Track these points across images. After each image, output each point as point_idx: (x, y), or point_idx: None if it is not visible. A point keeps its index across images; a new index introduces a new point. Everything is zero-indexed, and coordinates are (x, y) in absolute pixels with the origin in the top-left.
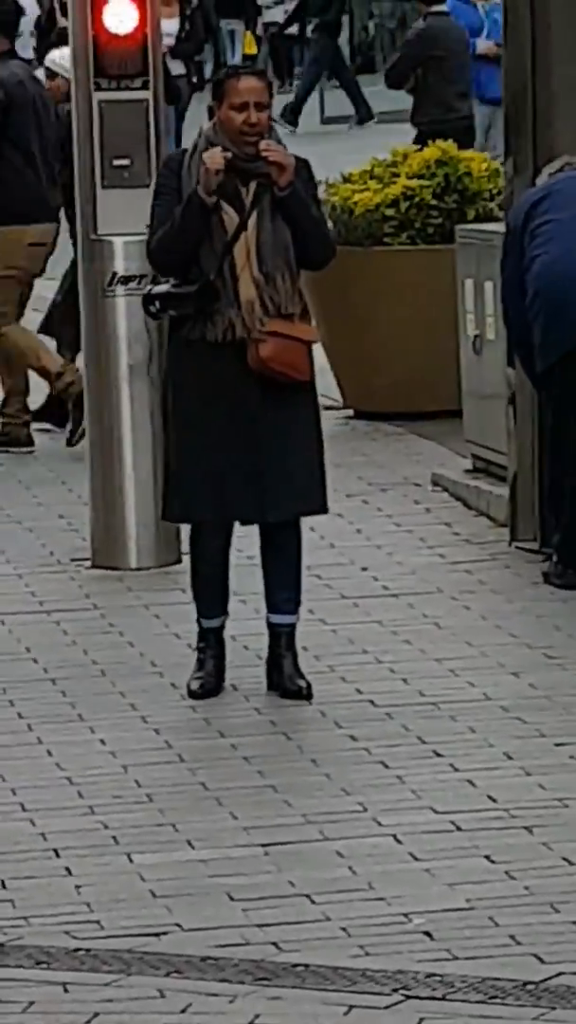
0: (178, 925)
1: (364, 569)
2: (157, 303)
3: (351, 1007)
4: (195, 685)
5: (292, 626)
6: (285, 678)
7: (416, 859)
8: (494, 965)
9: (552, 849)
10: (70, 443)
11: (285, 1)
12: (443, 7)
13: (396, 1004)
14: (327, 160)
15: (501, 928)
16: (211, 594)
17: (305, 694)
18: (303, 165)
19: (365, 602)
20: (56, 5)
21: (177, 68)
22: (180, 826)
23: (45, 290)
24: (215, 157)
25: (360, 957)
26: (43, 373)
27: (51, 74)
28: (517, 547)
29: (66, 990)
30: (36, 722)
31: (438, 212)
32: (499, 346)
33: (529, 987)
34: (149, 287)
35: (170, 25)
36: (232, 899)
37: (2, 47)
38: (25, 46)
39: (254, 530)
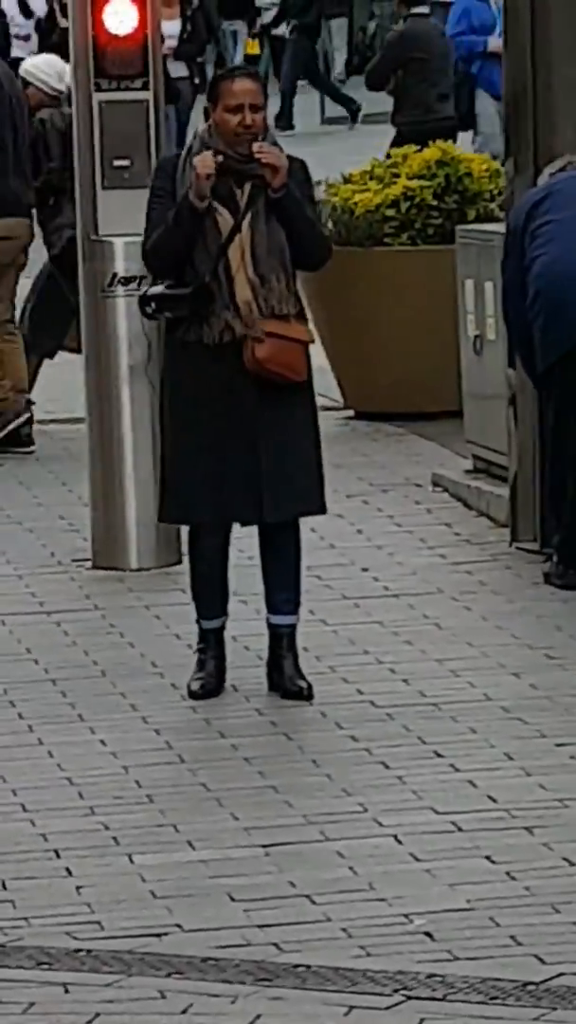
0: (179, 926)
1: (365, 570)
2: (153, 304)
3: (352, 1008)
4: (196, 686)
5: (292, 627)
6: (286, 679)
7: (417, 860)
8: (495, 966)
9: (553, 849)
10: None
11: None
12: (424, 9)
13: (397, 1005)
14: (327, 161)
15: (502, 929)
16: (210, 595)
17: (306, 695)
18: (299, 166)
19: (366, 603)
20: (56, 6)
21: (180, 70)
22: (181, 827)
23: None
24: (205, 161)
25: (361, 958)
26: None
27: (25, 83)
28: (518, 548)
29: (67, 991)
30: (37, 723)
31: (438, 213)
32: (500, 346)
33: (530, 988)
34: (145, 289)
35: (172, 26)
36: (233, 900)
37: None
38: (31, 47)
39: (254, 530)
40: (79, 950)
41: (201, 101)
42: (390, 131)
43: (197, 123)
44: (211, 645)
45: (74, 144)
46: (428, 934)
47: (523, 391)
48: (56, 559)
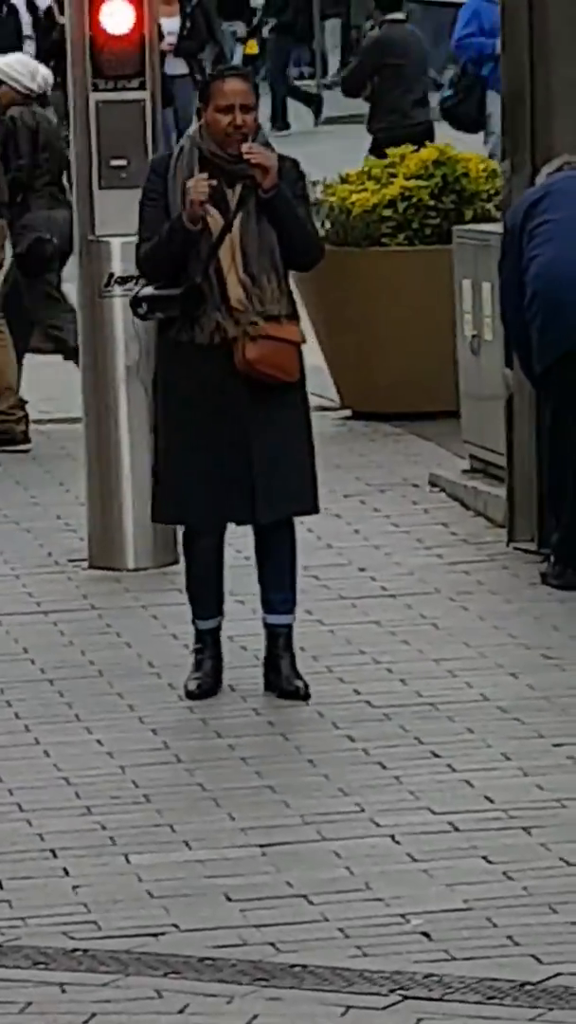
0: (175, 926)
1: (362, 569)
2: (145, 305)
3: (349, 1007)
4: (192, 686)
5: (289, 627)
6: (282, 679)
7: (414, 860)
8: (492, 966)
9: (550, 850)
10: None
11: None
12: (399, 15)
13: (394, 1004)
14: (324, 160)
15: (499, 929)
16: (206, 595)
17: (302, 695)
18: (291, 165)
19: (363, 602)
20: (54, 4)
21: (180, 67)
22: (177, 827)
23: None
24: (199, 187)
25: (358, 957)
26: None
27: None
28: (515, 548)
29: (63, 991)
30: (33, 722)
31: (436, 213)
32: (497, 347)
33: (527, 988)
34: (137, 289)
35: (171, 23)
36: (230, 899)
37: None
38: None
39: (250, 530)
40: (76, 950)
41: None
42: None
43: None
44: (208, 645)
45: (71, 144)
46: (425, 934)
47: (521, 391)
48: (53, 559)
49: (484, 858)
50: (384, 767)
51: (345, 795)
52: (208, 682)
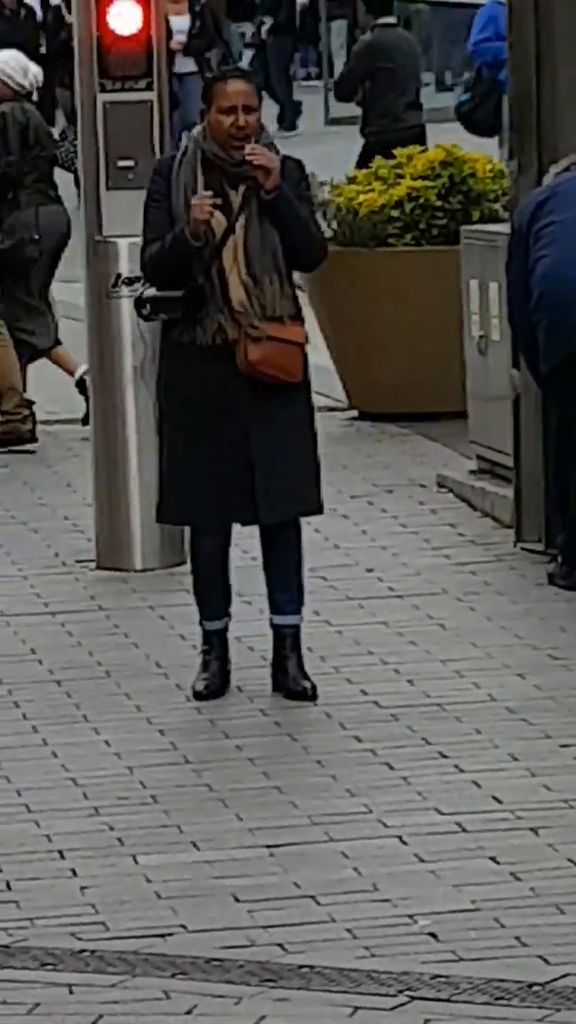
0: (183, 926)
1: (369, 570)
2: (148, 306)
3: (356, 1008)
4: (200, 686)
5: (296, 627)
6: (290, 679)
7: (421, 860)
8: (499, 966)
9: (558, 850)
10: None
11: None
12: (391, 19)
13: (401, 1005)
14: (331, 161)
15: (506, 929)
16: (212, 596)
17: (310, 695)
18: (294, 165)
19: (370, 603)
20: (63, 3)
21: (189, 65)
22: (185, 827)
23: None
24: (203, 206)
25: (365, 958)
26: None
27: None
28: (522, 548)
29: (71, 992)
30: (41, 723)
31: (443, 213)
32: (504, 347)
33: (535, 988)
34: (140, 290)
35: (181, 22)
36: (237, 900)
37: None
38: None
39: (257, 530)
40: (83, 951)
41: None
42: None
43: None
44: (215, 646)
45: (79, 145)
46: (433, 935)
47: (528, 392)
48: (60, 560)
49: (492, 859)
50: (392, 768)
51: (352, 796)
52: (216, 683)
